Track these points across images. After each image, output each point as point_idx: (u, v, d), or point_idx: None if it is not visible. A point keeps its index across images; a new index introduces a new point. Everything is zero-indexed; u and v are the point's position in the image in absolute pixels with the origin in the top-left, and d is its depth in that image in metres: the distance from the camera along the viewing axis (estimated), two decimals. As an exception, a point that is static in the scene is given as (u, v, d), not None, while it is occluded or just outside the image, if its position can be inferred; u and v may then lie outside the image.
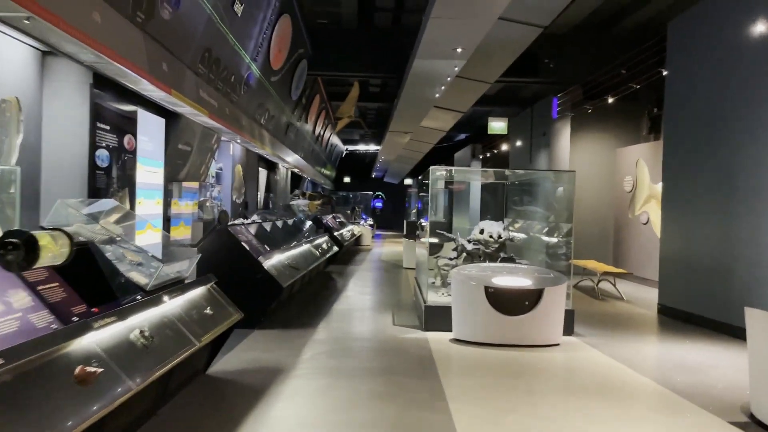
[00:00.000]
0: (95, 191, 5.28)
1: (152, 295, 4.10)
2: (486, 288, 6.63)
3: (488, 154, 22.09)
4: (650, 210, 12.62)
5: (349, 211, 24.93)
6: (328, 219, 16.17)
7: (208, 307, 4.78)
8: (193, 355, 4.62)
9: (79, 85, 5.05)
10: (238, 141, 10.17)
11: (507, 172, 10.83)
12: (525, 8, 8.29)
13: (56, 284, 3.39)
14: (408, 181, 35.22)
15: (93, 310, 3.49)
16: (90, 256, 4.13)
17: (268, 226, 9.50)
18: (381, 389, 4.96)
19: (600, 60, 13.23)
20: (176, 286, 4.56)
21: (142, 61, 5.07)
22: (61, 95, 5.06)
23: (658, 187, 12.24)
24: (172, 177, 7.37)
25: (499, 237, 7.75)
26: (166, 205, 7.12)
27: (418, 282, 9.47)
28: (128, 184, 5.97)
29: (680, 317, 8.56)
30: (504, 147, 20.06)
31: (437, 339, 6.83)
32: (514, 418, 4.32)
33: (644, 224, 12.84)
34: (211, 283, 5.12)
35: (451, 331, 6.88)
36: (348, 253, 17.67)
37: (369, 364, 5.74)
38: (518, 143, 17.94)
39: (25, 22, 3.52)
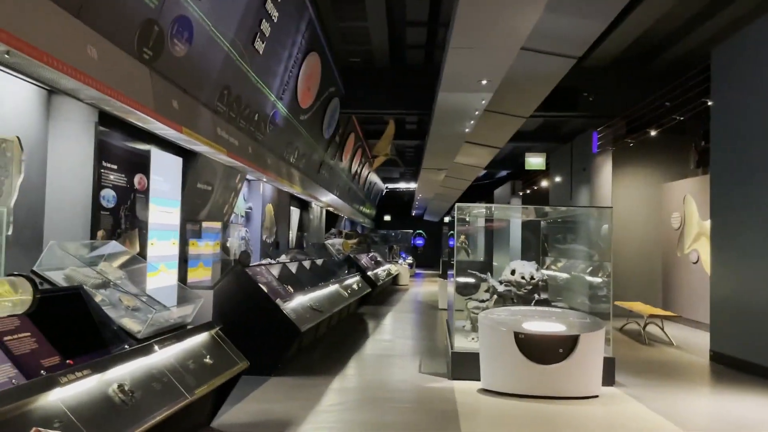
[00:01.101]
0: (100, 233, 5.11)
1: (143, 344, 3.83)
2: (516, 334, 6.14)
3: (528, 191, 21.54)
4: (700, 248, 11.86)
5: (387, 250, 24.57)
6: (363, 258, 15.86)
7: (208, 356, 4.47)
8: (191, 409, 4.30)
9: (85, 123, 4.93)
10: (264, 180, 10.04)
11: (546, 208, 10.33)
12: (553, 39, 7.96)
13: (27, 334, 3.14)
14: (447, 219, 34.79)
15: (68, 362, 3.22)
16: (80, 302, 3.90)
17: (293, 267, 9.24)
18: (394, 448, 4.52)
19: (641, 92, 12.71)
20: (173, 333, 4.28)
21: (148, 99, 4.93)
22: (66, 134, 4.95)
23: (708, 223, 11.53)
24: (190, 217, 7.21)
25: (532, 278, 7.27)
26: (183, 245, 6.93)
27: (448, 325, 9.01)
28: (139, 224, 5.80)
29: (735, 365, 7.82)
30: (544, 183, 19.51)
31: (464, 389, 6.34)
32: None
33: (694, 263, 12.06)
34: (214, 330, 4.82)
35: (479, 380, 6.39)
36: (383, 293, 17.26)
37: (386, 419, 5.31)
38: (558, 179, 17.38)
39: (6, 56, 3.39)
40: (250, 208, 11.63)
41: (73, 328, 3.69)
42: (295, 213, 15.43)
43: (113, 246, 4.78)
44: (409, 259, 28.43)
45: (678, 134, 13.17)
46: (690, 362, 8.33)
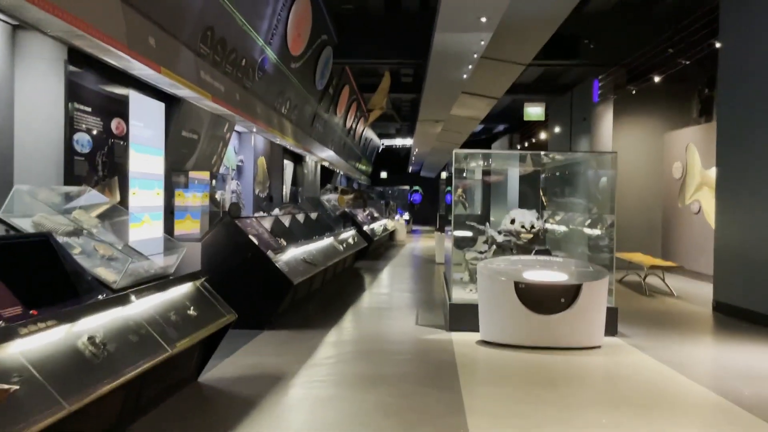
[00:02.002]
0: (75, 179, 4.79)
1: (118, 294, 3.57)
2: (516, 284, 5.91)
3: (526, 144, 21.14)
4: (702, 198, 11.61)
5: (383, 206, 24.29)
6: (359, 213, 15.58)
7: (192, 308, 4.22)
8: (175, 363, 4.08)
9: (53, 62, 4.56)
10: (254, 130, 9.65)
11: (546, 155, 10.00)
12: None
13: (-16, 282, 2.86)
14: (444, 175, 34.42)
15: (31, 312, 2.95)
16: (49, 250, 3.62)
17: (286, 220, 8.95)
18: (391, 401, 4.32)
19: (644, 38, 12.24)
20: (153, 283, 4.01)
21: (120, 33, 4.55)
22: (33, 73, 4.58)
23: (711, 173, 11.24)
24: (176, 167, 6.88)
25: (532, 227, 7.01)
26: (169, 196, 6.62)
27: (446, 278, 8.80)
28: (119, 172, 5.48)
29: (739, 315, 7.65)
30: (543, 136, 19.13)
31: (462, 341, 6.15)
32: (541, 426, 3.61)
33: (696, 214, 11.83)
34: (199, 281, 4.56)
35: (478, 331, 6.19)
36: (380, 248, 17.06)
37: (382, 371, 5.11)
38: (557, 130, 16.99)
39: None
40: (241, 162, 11.28)
41: (40, 278, 3.42)
42: (288, 167, 15.08)
43: (90, 194, 4.47)
44: (406, 215, 28.21)
45: (681, 82, 12.77)
46: (693, 312, 8.15)
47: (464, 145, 23.50)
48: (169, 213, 6.56)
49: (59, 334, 2.89)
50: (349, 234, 11.81)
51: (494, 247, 7.42)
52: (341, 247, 10.35)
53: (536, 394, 4.52)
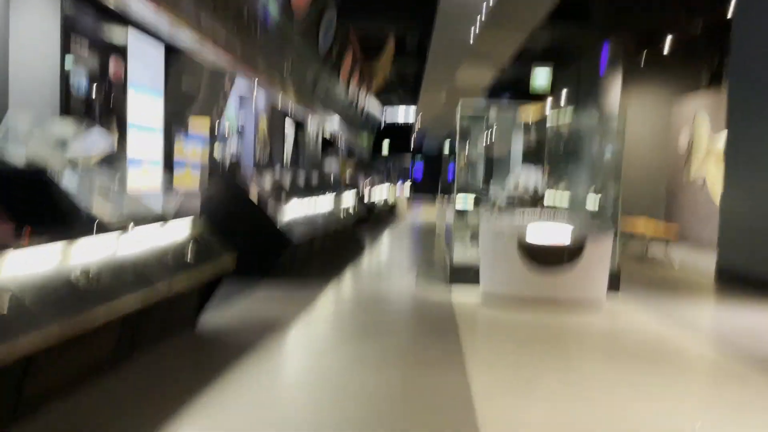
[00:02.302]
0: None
1: (113, 230, 3.48)
2: (519, 241, 5.83)
3: (531, 122, 20.88)
4: (708, 170, 11.47)
5: (384, 177, 24.09)
6: (359, 181, 15.46)
7: (189, 250, 4.14)
8: (171, 306, 4.01)
9: (49, -5, 4.42)
10: (255, 84, 9.47)
11: (548, 111, 9.85)
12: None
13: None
14: (447, 146, 34.18)
15: (22, 235, 2.86)
16: (43, 184, 3.52)
17: (286, 180, 8.85)
18: (388, 349, 4.26)
19: (655, 3, 12.00)
20: (150, 222, 3.93)
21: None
22: (29, 9, 4.43)
23: (719, 139, 11.08)
24: (175, 118, 6.75)
25: (536, 191, 6.90)
26: (168, 147, 6.51)
27: (447, 245, 8.73)
28: (116, 116, 5.36)
29: (742, 281, 7.57)
30: (548, 109, 18.91)
31: (462, 299, 6.08)
32: (543, 392, 3.54)
33: (700, 187, 11.71)
34: (198, 224, 4.47)
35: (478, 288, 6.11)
36: (381, 218, 16.96)
37: (379, 323, 5.05)
38: (563, 102, 16.79)
39: None
40: (242, 126, 11.13)
41: (33, 211, 3.32)
42: (290, 133, 14.91)
43: (87, 131, 4.36)
44: (407, 187, 28.03)
45: (691, 50, 12.54)
46: (695, 279, 8.10)
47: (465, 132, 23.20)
48: (168, 165, 6.45)
49: (51, 257, 2.81)
50: (349, 200, 11.71)
51: (497, 209, 7.31)
52: (341, 211, 10.26)
53: (536, 347, 4.47)
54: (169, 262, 3.81)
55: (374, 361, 3.94)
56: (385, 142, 38.86)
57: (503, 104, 10.02)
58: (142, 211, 4.10)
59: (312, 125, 17.39)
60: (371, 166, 27.29)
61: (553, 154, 9.61)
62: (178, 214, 4.53)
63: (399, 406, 3.15)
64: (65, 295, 2.79)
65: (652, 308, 5.92)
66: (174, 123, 6.80)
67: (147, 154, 6.06)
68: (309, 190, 9.57)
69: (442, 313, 5.44)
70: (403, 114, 34.91)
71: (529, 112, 11.26)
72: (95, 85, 5.04)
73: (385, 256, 9.49)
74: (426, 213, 22.37)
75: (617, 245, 6.66)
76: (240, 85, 10.03)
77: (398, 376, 3.67)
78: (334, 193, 10.94)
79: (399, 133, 38.35)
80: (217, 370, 3.60)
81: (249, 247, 6.34)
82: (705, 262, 9.66)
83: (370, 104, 27.51)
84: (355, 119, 23.98)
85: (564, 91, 16.49)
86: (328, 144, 23.03)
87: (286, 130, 14.20)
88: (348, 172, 17.54)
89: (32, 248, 2.60)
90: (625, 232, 10.06)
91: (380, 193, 18.07)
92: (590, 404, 3.25)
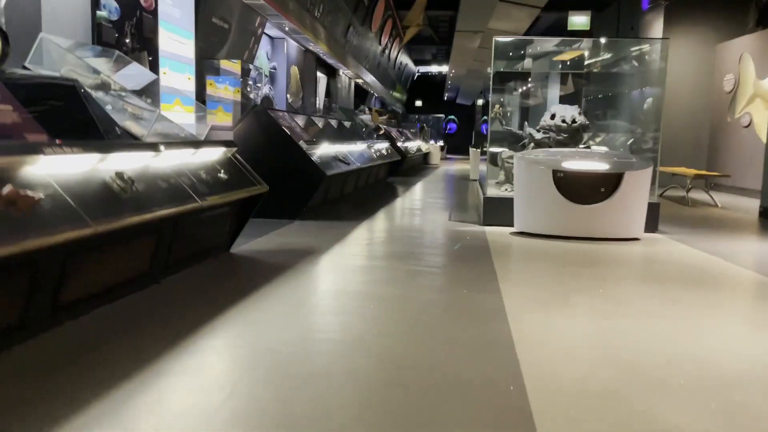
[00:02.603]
0: (103, 47, 4.68)
1: (148, 142, 3.50)
2: (555, 173, 5.71)
3: (568, 62, 20.29)
4: (754, 111, 11.03)
5: (418, 130, 23.88)
6: (393, 131, 15.34)
7: (222, 172, 4.17)
8: (206, 223, 4.06)
9: None
10: (286, 28, 9.37)
11: (584, 44, 9.57)
12: None
13: (8, 107, 2.79)
14: (480, 102, 33.59)
15: (56, 141, 2.90)
16: (77, 100, 3.54)
17: (320, 122, 8.82)
18: (423, 271, 4.25)
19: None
20: (183, 141, 3.95)
21: None
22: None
23: (766, 83, 10.63)
24: (207, 54, 6.72)
25: (573, 121, 6.72)
26: (201, 86, 6.51)
27: (480, 184, 8.64)
28: (148, 47, 5.36)
29: (788, 221, 7.34)
30: (587, 53, 18.29)
31: (496, 231, 6.04)
32: (575, 306, 3.50)
33: (745, 127, 11.27)
34: (232, 150, 4.49)
35: (512, 226, 6.04)
36: (413, 168, 16.88)
37: (414, 250, 5.04)
38: (603, 42, 16.18)
39: None
40: (274, 68, 11.07)
41: (67, 124, 3.35)
42: (322, 80, 14.81)
43: (120, 57, 4.37)
44: (441, 142, 27.77)
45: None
46: (738, 218, 7.85)
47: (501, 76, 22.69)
48: (201, 101, 6.45)
49: (86, 164, 2.84)
50: (382, 145, 11.64)
51: (532, 145, 7.16)
52: (374, 155, 10.21)
53: (569, 270, 4.40)
54: (201, 181, 3.83)
55: (409, 278, 3.94)
56: (419, 101, 38.44)
57: (540, 41, 9.66)
58: (175, 131, 4.12)
59: (344, 75, 17.22)
60: (405, 120, 27.06)
61: (592, 98, 9.37)
62: (212, 143, 4.54)
63: (436, 313, 3.14)
64: (101, 197, 2.83)
65: (693, 241, 5.78)
66: (205, 61, 6.78)
67: (180, 89, 6.07)
68: (342, 134, 9.54)
69: (475, 241, 5.40)
70: (437, 69, 34.28)
71: (566, 54, 10.97)
72: (126, 13, 5.02)
73: (419, 200, 9.44)
74: (460, 166, 22.17)
75: (656, 186, 6.49)
76: (271, 29, 9.94)
77: (433, 290, 3.67)
78: (368, 139, 10.90)
79: (432, 90, 37.81)
80: (253, 283, 3.65)
81: (282, 181, 6.38)
82: (748, 204, 9.38)
83: (403, 58, 27.09)
84: (388, 72, 23.67)
85: (603, 41, 15.90)
86: (362, 95, 22.86)
87: (318, 79, 14.10)
88: (381, 123, 17.45)
89: (65, 155, 2.61)
90: (666, 172, 9.80)
91: (413, 140, 17.93)
92: (624, 318, 3.19)
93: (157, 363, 2.37)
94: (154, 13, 5.43)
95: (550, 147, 7.09)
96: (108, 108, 3.74)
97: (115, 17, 4.81)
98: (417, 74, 36.29)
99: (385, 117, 18.72)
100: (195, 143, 4.01)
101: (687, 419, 2.03)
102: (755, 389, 2.31)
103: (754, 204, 8.91)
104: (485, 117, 10.13)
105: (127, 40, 5.01)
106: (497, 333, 2.88)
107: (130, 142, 3.41)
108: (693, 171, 9.88)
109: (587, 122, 6.88)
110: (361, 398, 2.13)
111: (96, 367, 2.31)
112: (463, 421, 1.97)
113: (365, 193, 9.79)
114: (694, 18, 12.71)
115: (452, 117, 38.83)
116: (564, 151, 6.17)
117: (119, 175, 2.99)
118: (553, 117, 6.86)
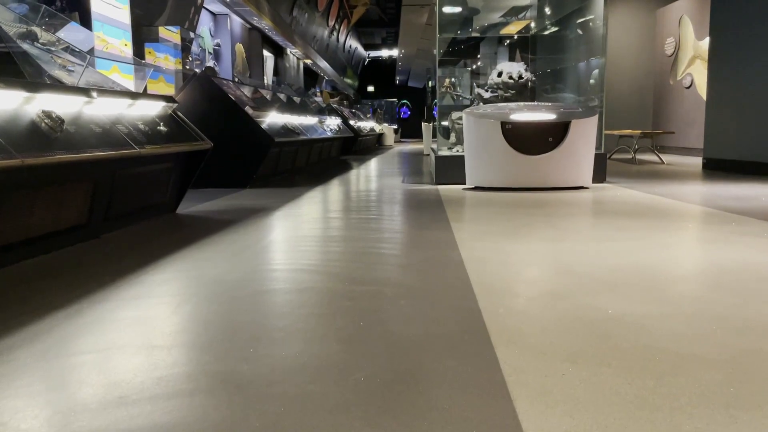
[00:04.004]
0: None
1: (80, 87, 3.35)
2: (503, 125, 5.74)
3: (515, 36, 20.51)
4: (694, 72, 11.34)
5: (371, 113, 23.80)
6: (345, 110, 15.22)
7: (162, 125, 4.03)
8: (148, 179, 3.92)
9: None
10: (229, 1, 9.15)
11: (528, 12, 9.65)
12: None
13: None
14: (431, 84, 33.66)
15: (-22, 79, 2.74)
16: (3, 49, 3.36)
17: (267, 94, 8.65)
18: (375, 217, 4.21)
19: None
20: (120, 97, 3.79)
21: None
22: None
23: (705, 43, 10.92)
24: (145, 22, 6.50)
25: (520, 77, 6.76)
26: (140, 56, 6.30)
27: (432, 150, 8.64)
28: (79, 8, 5.13)
29: (728, 167, 7.58)
30: (531, 24, 18.51)
31: (449, 188, 6.05)
32: (525, 231, 3.52)
33: (687, 88, 11.58)
34: (172, 105, 4.34)
35: (464, 184, 6.06)
36: (367, 149, 16.82)
37: (367, 205, 4.99)
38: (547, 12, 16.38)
39: None
40: (218, 45, 10.81)
41: (-7, 70, 3.18)
42: (269, 59, 14.57)
43: (52, 13, 4.17)
44: (394, 126, 27.74)
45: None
46: (683, 171, 8.06)
47: (450, 44, 22.78)
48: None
49: (11, 102, 2.69)
50: (334, 121, 11.52)
51: (481, 104, 7.19)
52: (326, 129, 10.10)
53: (519, 211, 4.43)
54: (139, 132, 3.69)
55: (362, 224, 3.89)
56: (371, 86, 38.35)
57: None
58: (109, 83, 3.96)
59: (292, 55, 16.98)
60: (358, 104, 26.92)
61: (538, 65, 9.47)
62: (149, 96, 4.39)
63: (389, 246, 3.10)
64: (28, 134, 2.68)
65: (640, 187, 5.91)
66: (143, 28, 6.56)
67: (115, 56, 5.86)
68: (291, 107, 9.39)
69: (429, 197, 5.39)
70: (387, 53, 34.24)
71: (513, 25, 11.07)
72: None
73: (373, 170, 9.39)
74: (413, 146, 22.20)
75: (603, 140, 6.60)
76: (213, 3, 9.69)
77: (386, 231, 3.63)
78: (318, 115, 10.76)
79: (384, 75, 37.76)
80: (200, 233, 3.55)
81: (230, 149, 6.25)
82: (693, 161, 9.66)
83: (353, 42, 26.93)
84: (338, 55, 23.48)
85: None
86: (313, 78, 22.63)
87: (265, 58, 13.86)
88: (333, 103, 17.32)
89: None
90: (613, 135, 10.01)
91: (367, 124, 17.84)
92: (573, 242, 3.21)
93: (99, 293, 2.27)
94: (84, -28, 5.21)
95: (499, 105, 7.13)
96: (35, 57, 3.56)
97: (41, -27, 4.59)
98: (368, 59, 36.19)
99: (336, 99, 18.57)
100: (131, 94, 3.87)
101: (632, 307, 2.04)
102: (695, 283, 2.36)
103: (698, 161, 9.18)
104: (436, 101, 10.17)
105: (56, 1, 4.79)
106: (448, 257, 2.86)
107: (59, 84, 3.25)
108: (638, 131, 10.11)
109: (534, 77, 6.94)
110: (311, 306, 2.08)
111: (31, 299, 2.20)
112: (413, 320, 1.94)
113: (318, 166, 9.69)
114: (634, -15, 12.97)
115: (405, 101, 38.84)
116: (511, 105, 6.20)
117: (47, 113, 2.85)
118: (500, 75, 6.89)
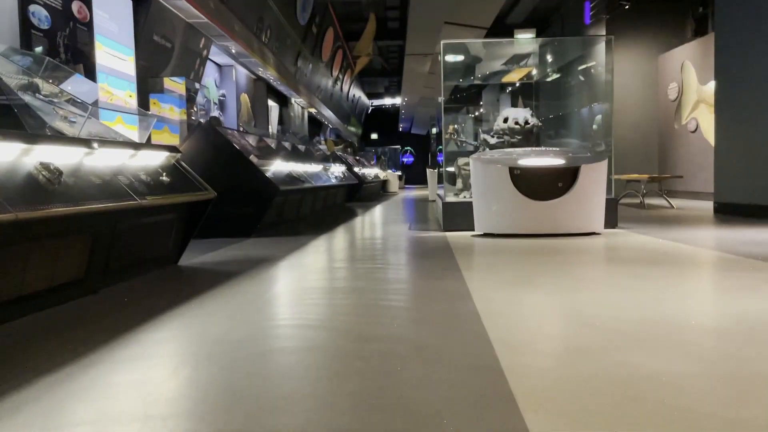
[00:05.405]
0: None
1: (79, 138, 3.27)
2: (511, 170, 5.65)
3: (517, 84, 20.72)
4: (699, 116, 11.34)
5: (375, 160, 23.90)
6: (349, 158, 15.25)
7: (165, 175, 3.95)
8: (149, 233, 3.82)
9: None
10: (233, 50, 9.24)
11: (533, 44, 9.69)
12: None
13: None
14: (435, 131, 33.97)
15: (-26, 131, 2.66)
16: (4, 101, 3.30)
17: (272, 143, 8.64)
18: (384, 267, 4.07)
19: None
20: (120, 141, 3.72)
21: None
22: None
23: (708, 88, 10.96)
24: (150, 74, 6.52)
25: (526, 123, 6.72)
26: (144, 104, 6.30)
27: (439, 196, 8.56)
28: (83, 60, 5.13)
29: (740, 212, 7.45)
30: (534, 71, 18.72)
31: (457, 235, 5.92)
32: (540, 280, 3.38)
33: (692, 132, 11.56)
34: (176, 155, 4.27)
35: (473, 230, 5.94)
36: (371, 195, 16.78)
37: (374, 254, 4.86)
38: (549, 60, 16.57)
39: None
40: (223, 96, 10.89)
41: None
42: (274, 109, 14.68)
43: (55, 65, 4.15)
44: (398, 172, 27.85)
45: (674, 1, 12.41)
46: (694, 215, 7.94)
47: (453, 91, 23.05)
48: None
49: (9, 154, 2.61)
50: (339, 169, 11.50)
51: (487, 150, 7.13)
52: (331, 176, 10.06)
53: (532, 259, 4.29)
54: (141, 182, 3.61)
55: (371, 274, 3.75)
56: (374, 134, 38.73)
57: (488, 40, 9.73)
58: (111, 134, 3.89)
59: (297, 104, 17.14)
60: (361, 150, 27.10)
61: (543, 111, 9.49)
62: (153, 146, 4.32)
63: (399, 298, 2.96)
64: (25, 187, 2.59)
65: (653, 233, 5.78)
66: (148, 79, 6.58)
67: (119, 107, 5.85)
68: (296, 155, 9.37)
69: (437, 244, 5.25)
70: (390, 102, 34.67)
71: (514, 73, 11.17)
72: (58, 23, 4.80)
73: (379, 217, 9.29)
74: (418, 192, 22.20)
75: (612, 186, 6.51)
76: (219, 55, 9.80)
77: (396, 281, 3.49)
78: (322, 162, 10.75)
79: (387, 122, 38.17)
80: (203, 286, 3.41)
81: (234, 199, 6.17)
82: (702, 204, 9.55)
83: (356, 91, 27.29)
84: (342, 104, 23.74)
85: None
86: (317, 127, 22.83)
87: (269, 107, 13.97)
88: (336, 151, 17.38)
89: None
90: (621, 180, 9.93)
91: (371, 170, 17.87)
92: (590, 291, 3.06)
93: (92, 354, 2.12)
94: (89, 25, 5.22)
95: (506, 151, 7.07)
96: (36, 109, 3.50)
97: (46, 26, 4.59)
98: (371, 107, 36.62)
99: (341, 147, 18.67)
100: (133, 144, 3.79)
101: (666, 365, 1.89)
102: (728, 337, 2.20)
103: (708, 205, 9.06)
104: (440, 147, 10.19)
105: (60, 51, 4.78)
106: (463, 309, 2.71)
107: (59, 135, 3.18)
108: (646, 175, 10.03)
109: (540, 123, 6.90)
110: (318, 368, 1.93)
111: (18, 362, 2.05)
112: (431, 383, 1.78)
113: (323, 214, 9.60)
114: (635, 30, 13.13)
115: (408, 148, 39.12)
116: (518, 150, 6.13)
117: (45, 165, 2.76)
118: (505, 120, 6.86)
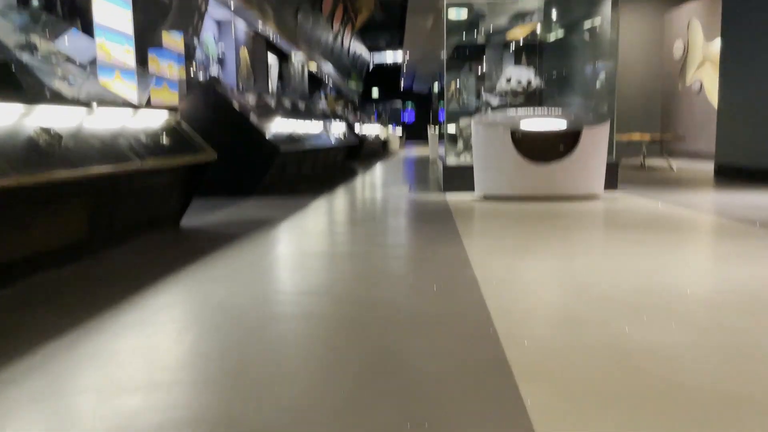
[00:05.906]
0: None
1: (79, 100, 3.24)
2: (512, 133, 5.62)
3: (521, 41, 20.41)
4: (704, 76, 11.20)
5: (375, 119, 23.68)
6: (349, 116, 15.11)
7: (165, 136, 3.92)
8: (150, 192, 3.82)
9: None
10: (231, 3, 9.02)
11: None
12: None
13: None
14: (437, 89, 33.58)
15: (-28, 94, 2.64)
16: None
17: (271, 101, 8.56)
18: (385, 229, 4.09)
19: None
20: (121, 107, 3.69)
21: None
22: None
23: (714, 45, 10.79)
24: (148, 29, 6.41)
25: (529, 83, 6.65)
26: (142, 61, 6.20)
27: (440, 158, 8.53)
28: (80, 16, 5.04)
29: (741, 174, 7.43)
30: (538, 28, 18.41)
31: (457, 197, 5.93)
32: (538, 246, 3.40)
33: (697, 93, 11.44)
34: (175, 115, 4.24)
35: (473, 191, 5.94)
36: (372, 154, 16.71)
37: (371, 217, 4.88)
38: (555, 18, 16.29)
39: None
40: (222, 53, 10.73)
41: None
42: (274, 65, 14.48)
43: (51, 21, 4.07)
44: (399, 130, 27.65)
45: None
46: (694, 177, 7.92)
47: (457, 49, 22.68)
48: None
49: (8, 117, 2.59)
50: (339, 128, 11.42)
51: (489, 111, 7.07)
52: (331, 136, 10.00)
53: (530, 223, 4.30)
54: (141, 144, 3.59)
55: (372, 238, 3.77)
56: (375, 89, 38.27)
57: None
58: (110, 96, 3.86)
59: (297, 61, 16.91)
60: (362, 108, 26.85)
61: (546, 70, 9.36)
62: (151, 107, 4.29)
63: (399, 263, 2.99)
64: (23, 151, 2.58)
65: (653, 195, 5.78)
66: (146, 35, 6.47)
67: (118, 63, 5.76)
68: (296, 113, 9.29)
69: (437, 207, 5.26)
70: (392, 57, 34.15)
71: (518, 29, 10.96)
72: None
73: (379, 177, 9.29)
74: (419, 151, 22.10)
75: (614, 149, 6.47)
76: (217, 9, 9.61)
77: (396, 246, 3.51)
78: (323, 121, 10.66)
79: (388, 78, 37.69)
80: (204, 249, 3.44)
81: (235, 158, 6.16)
82: (703, 166, 9.52)
83: (357, 46, 26.85)
84: (343, 60, 23.39)
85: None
86: (317, 84, 22.56)
87: (269, 63, 13.77)
88: (337, 109, 17.21)
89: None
90: (622, 141, 9.87)
91: (371, 129, 17.74)
92: (589, 257, 3.09)
93: (96, 320, 2.16)
94: (86, -21, 5.11)
95: (507, 112, 7.01)
96: (36, 68, 3.46)
97: (41, -20, 4.49)
98: (372, 64, 36.08)
99: (341, 103, 18.48)
100: (132, 105, 3.76)
101: (662, 337, 1.92)
102: (725, 307, 2.23)
103: (708, 167, 9.04)
104: (441, 101, 10.06)
105: (57, 7, 4.69)
106: (462, 276, 2.74)
107: (60, 97, 3.15)
108: (647, 136, 9.97)
109: (542, 84, 6.82)
110: (316, 337, 1.96)
111: (23, 327, 2.09)
112: (430, 352, 1.82)
113: (323, 173, 9.58)
114: (642, -12, 12.85)
115: (410, 102, 38.73)
116: (520, 112, 6.08)
117: (45, 129, 2.74)
118: (508, 81, 6.78)
